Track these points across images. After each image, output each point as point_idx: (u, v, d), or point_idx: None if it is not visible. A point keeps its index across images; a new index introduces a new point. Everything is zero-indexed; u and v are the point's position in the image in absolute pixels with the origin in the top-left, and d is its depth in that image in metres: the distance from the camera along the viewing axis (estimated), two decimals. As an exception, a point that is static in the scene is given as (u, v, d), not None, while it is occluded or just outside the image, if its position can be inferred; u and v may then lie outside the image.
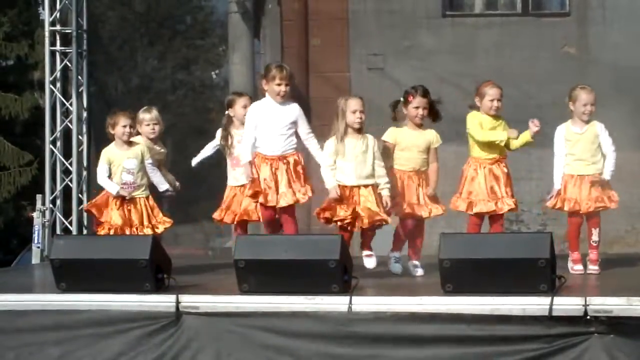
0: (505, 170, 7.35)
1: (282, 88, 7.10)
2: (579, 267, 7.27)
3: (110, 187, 7.49)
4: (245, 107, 7.75)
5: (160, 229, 7.53)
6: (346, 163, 6.99)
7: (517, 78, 10.01)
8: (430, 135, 7.33)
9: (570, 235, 7.34)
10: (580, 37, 10.32)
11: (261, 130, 7.11)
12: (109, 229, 7.44)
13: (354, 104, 7.03)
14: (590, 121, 7.31)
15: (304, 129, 7.20)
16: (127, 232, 7.42)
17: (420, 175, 7.27)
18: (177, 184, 7.97)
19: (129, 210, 7.50)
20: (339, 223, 7.02)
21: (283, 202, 7.06)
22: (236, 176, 7.77)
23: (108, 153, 7.60)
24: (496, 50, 10.38)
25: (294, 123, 7.16)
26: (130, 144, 7.57)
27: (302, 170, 7.14)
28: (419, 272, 7.33)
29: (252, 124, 7.16)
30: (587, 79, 9.39)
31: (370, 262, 7.07)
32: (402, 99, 7.35)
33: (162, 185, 7.69)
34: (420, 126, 7.30)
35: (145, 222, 7.49)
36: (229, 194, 7.88)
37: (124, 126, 7.53)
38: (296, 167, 7.11)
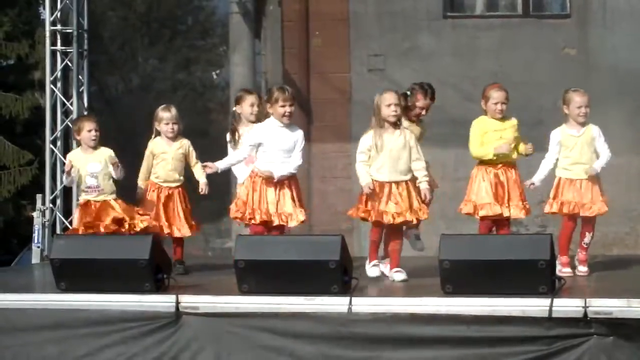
0: (513, 176, 7.29)
1: (287, 109, 7.12)
2: (567, 269, 7.26)
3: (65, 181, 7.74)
4: (252, 105, 7.75)
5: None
6: (381, 159, 6.91)
7: (517, 80, 9.97)
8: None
9: (563, 238, 7.33)
10: (580, 39, 10.29)
11: (267, 152, 7.12)
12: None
13: (388, 97, 6.96)
14: (587, 123, 7.30)
15: (297, 152, 7.19)
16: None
17: None
18: (203, 181, 7.84)
19: (97, 215, 7.56)
20: (372, 218, 6.91)
21: (294, 223, 7.09)
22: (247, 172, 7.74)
23: (72, 156, 7.76)
24: (497, 51, 10.36)
25: (294, 148, 7.18)
26: (95, 148, 7.64)
27: (298, 194, 7.21)
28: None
29: (251, 142, 7.17)
30: (588, 81, 9.39)
31: (400, 276, 6.95)
32: (408, 92, 7.38)
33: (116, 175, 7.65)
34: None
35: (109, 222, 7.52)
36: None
37: (89, 130, 7.62)
38: (297, 186, 7.19)
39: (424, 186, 6.97)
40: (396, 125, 6.97)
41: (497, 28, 10.49)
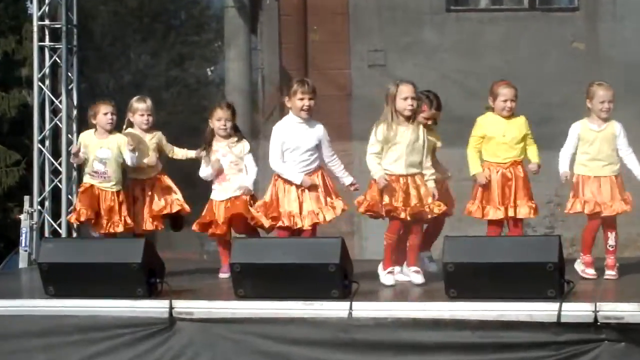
0: (521, 174, 7.15)
1: (306, 102, 6.98)
2: (591, 270, 7.11)
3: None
4: (219, 120, 7.56)
5: (118, 229, 7.56)
6: (396, 152, 6.75)
7: (523, 75, 9.90)
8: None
9: (586, 237, 7.16)
10: (589, 33, 10.31)
11: (288, 152, 7.00)
12: (80, 216, 7.56)
13: (405, 90, 6.78)
14: (609, 119, 7.17)
15: (327, 151, 7.12)
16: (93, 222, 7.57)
17: None
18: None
19: (97, 202, 7.59)
20: (386, 210, 6.72)
21: (307, 223, 6.96)
22: (222, 190, 7.56)
23: (84, 137, 7.82)
24: (502, 46, 10.37)
25: (318, 145, 7.06)
26: (110, 133, 7.67)
27: (331, 184, 7.07)
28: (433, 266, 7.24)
29: (278, 145, 7.01)
30: (596, 76, 9.25)
31: (418, 279, 6.82)
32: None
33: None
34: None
35: (116, 217, 7.56)
36: (210, 207, 7.62)
37: (105, 114, 7.66)
38: (326, 183, 7.04)
39: (431, 184, 6.87)
40: (410, 119, 6.80)
41: (503, 22, 10.49)
